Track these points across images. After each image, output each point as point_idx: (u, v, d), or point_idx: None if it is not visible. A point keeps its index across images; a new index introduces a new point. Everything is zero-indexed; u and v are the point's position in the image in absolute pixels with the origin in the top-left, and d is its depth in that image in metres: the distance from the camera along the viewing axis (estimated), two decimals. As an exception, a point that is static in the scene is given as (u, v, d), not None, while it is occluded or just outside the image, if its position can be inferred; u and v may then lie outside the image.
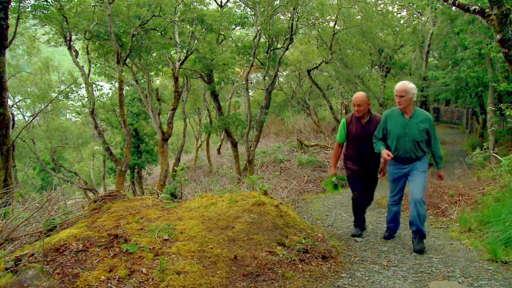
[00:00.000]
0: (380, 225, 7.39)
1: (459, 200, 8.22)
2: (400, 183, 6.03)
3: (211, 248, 4.30)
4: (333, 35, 19.93)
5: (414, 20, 22.73)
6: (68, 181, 23.29)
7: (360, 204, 6.65)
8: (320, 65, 22.79)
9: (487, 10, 7.11)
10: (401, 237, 6.36)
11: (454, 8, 15.37)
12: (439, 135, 6.94)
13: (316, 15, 20.26)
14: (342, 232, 6.84)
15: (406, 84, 5.79)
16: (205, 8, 21.45)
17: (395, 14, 23.24)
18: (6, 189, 9.53)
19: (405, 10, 23.08)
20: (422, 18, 22.11)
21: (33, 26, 18.79)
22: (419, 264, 5.12)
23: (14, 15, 13.21)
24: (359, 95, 6.09)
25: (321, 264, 4.68)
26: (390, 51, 20.96)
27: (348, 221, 7.96)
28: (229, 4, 22.92)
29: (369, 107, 6.14)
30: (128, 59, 18.42)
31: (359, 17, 21.12)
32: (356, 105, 6.02)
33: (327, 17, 21.29)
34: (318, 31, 21.37)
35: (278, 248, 4.55)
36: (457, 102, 29.13)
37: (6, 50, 11.50)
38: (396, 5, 23.01)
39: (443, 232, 6.84)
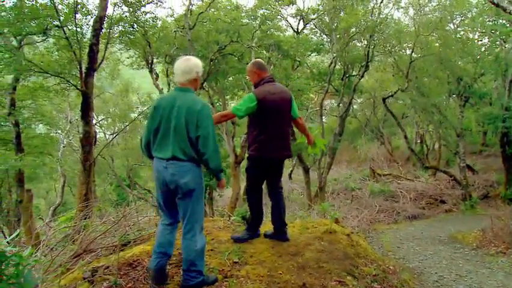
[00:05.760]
0: (455, 261, 7.09)
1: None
2: None
3: (280, 273, 4.31)
4: (410, 63, 19.56)
5: (496, 48, 21.87)
6: (142, 198, 24.04)
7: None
8: (395, 93, 22.41)
9: None
10: (478, 275, 6.06)
11: (542, 35, 14.71)
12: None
13: (393, 42, 20.03)
14: (415, 266, 6.62)
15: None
16: (281, 35, 21.79)
17: (476, 41, 22.50)
18: (87, 203, 10.05)
19: (486, 37, 22.30)
20: (506, 46, 21.23)
21: (119, 50, 19.86)
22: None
23: (104, 40, 14.05)
24: (249, 63, 5.13)
25: (392, 298, 4.56)
26: (470, 80, 20.28)
27: (420, 254, 7.70)
28: (305, 31, 23.11)
29: (259, 76, 4.92)
30: (205, 83, 18.99)
31: (437, 44, 20.65)
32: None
33: (404, 45, 20.98)
34: (395, 58, 21.06)
35: (348, 278, 4.49)
36: (543, 135, 27.58)
37: (95, 72, 12.27)
38: (477, 32, 22.30)
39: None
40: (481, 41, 22.80)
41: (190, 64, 3.90)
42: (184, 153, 3.71)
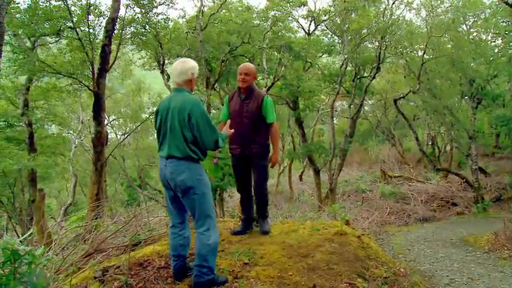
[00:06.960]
0: (467, 264, 7.04)
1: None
2: None
3: (291, 275, 4.31)
4: (422, 64, 19.43)
5: (510, 49, 21.65)
6: (152, 199, 24.13)
7: (246, 199, 5.57)
8: (407, 94, 22.29)
9: None
10: (490, 279, 6.01)
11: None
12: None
13: (405, 44, 19.93)
14: (426, 268, 6.59)
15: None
16: (293, 36, 21.77)
17: (489, 42, 22.31)
18: (98, 203, 10.13)
19: (500, 38, 22.10)
20: (520, 47, 21.01)
21: (131, 51, 19.98)
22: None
23: (116, 41, 14.15)
24: (247, 63, 5.50)
25: (402, 301, 4.54)
26: (483, 82, 20.10)
27: (431, 257, 7.66)
28: (316, 32, 23.08)
29: (254, 81, 5.46)
30: (216, 84, 19.05)
31: (450, 45, 20.50)
32: (243, 73, 5.19)
33: (416, 46, 20.85)
34: (406, 60, 20.93)
35: (358, 280, 4.47)
36: (557, 137, 27.24)
37: (107, 73, 12.37)
38: (490, 33, 22.12)
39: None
40: (494, 42, 22.62)
41: (185, 66, 4.08)
42: (179, 151, 3.86)
